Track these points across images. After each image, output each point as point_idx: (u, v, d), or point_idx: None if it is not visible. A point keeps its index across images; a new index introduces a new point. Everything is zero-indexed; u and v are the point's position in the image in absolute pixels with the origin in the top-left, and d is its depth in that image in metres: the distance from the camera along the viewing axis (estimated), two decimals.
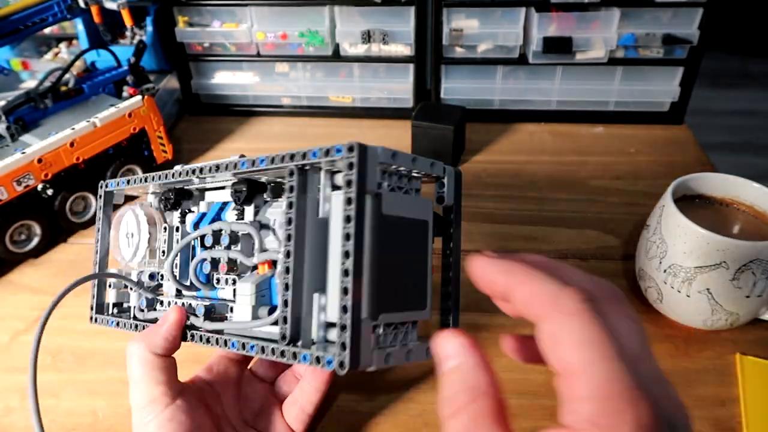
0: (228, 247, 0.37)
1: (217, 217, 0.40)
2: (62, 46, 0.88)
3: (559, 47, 0.74)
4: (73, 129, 0.61)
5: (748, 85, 2.46)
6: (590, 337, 0.22)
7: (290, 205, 0.31)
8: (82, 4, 0.67)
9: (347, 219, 0.29)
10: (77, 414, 0.46)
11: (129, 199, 0.52)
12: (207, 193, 0.43)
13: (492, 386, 0.24)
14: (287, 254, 0.31)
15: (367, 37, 0.77)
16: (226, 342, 0.35)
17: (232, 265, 0.38)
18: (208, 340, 0.36)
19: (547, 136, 0.79)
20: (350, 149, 0.29)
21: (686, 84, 0.77)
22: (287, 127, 0.84)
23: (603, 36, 0.73)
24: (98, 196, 0.47)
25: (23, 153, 0.57)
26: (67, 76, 0.67)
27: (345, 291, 0.28)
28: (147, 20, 0.82)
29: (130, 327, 0.42)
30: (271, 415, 0.41)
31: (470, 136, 0.76)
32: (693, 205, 0.51)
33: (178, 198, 0.42)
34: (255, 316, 0.35)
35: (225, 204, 0.41)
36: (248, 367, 0.44)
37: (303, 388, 0.41)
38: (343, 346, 0.28)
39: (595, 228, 0.63)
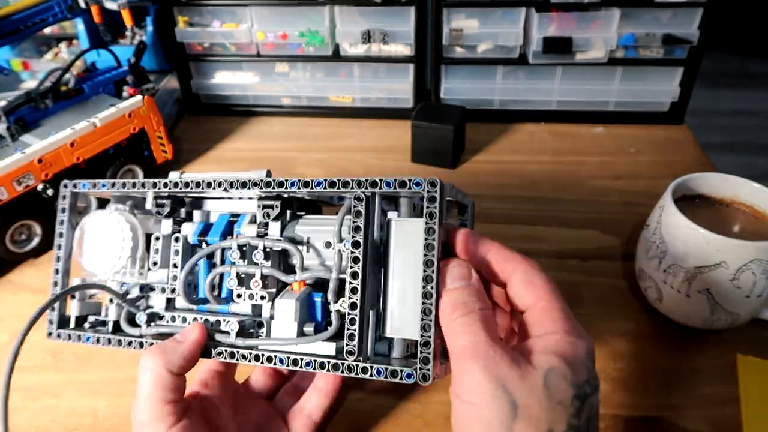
0: (256, 263, 0.37)
1: (228, 230, 0.40)
2: (62, 46, 0.88)
3: (559, 47, 0.74)
4: (73, 129, 0.61)
5: (748, 85, 2.46)
6: (551, 284, 0.32)
7: (357, 229, 0.33)
8: (82, 4, 0.67)
9: (428, 247, 0.32)
10: (78, 414, 0.46)
11: (102, 204, 0.46)
12: (207, 202, 0.42)
13: (490, 307, 0.32)
14: (354, 275, 0.33)
15: (367, 37, 0.77)
16: (270, 359, 0.35)
17: (264, 281, 0.37)
18: (244, 357, 0.36)
19: (547, 136, 0.79)
20: (432, 184, 0.32)
21: (686, 84, 0.77)
22: (287, 127, 0.84)
23: (603, 36, 0.73)
24: (61, 197, 0.43)
25: (23, 153, 0.57)
26: (67, 76, 0.67)
27: (426, 312, 0.32)
28: (147, 20, 0.82)
29: (126, 344, 0.39)
30: (275, 428, 0.41)
31: (470, 136, 0.77)
32: (693, 205, 0.51)
33: (174, 206, 0.41)
34: (300, 333, 0.36)
35: (236, 216, 0.40)
36: (244, 381, 0.43)
37: (310, 397, 0.41)
38: (425, 360, 0.31)
39: (595, 228, 0.63)
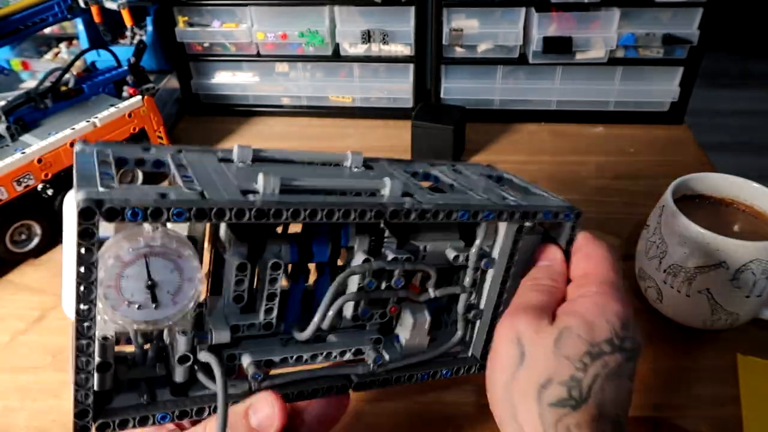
0: (394, 287, 0.34)
1: (331, 240, 0.34)
2: (62, 46, 0.88)
3: (559, 47, 0.74)
4: (73, 129, 0.61)
5: (748, 85, 2.46)
6: (607, 257, 0.34)
7: (511, 257, 0.36)
8: (82, 4, 0.67)
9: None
10: None
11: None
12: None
13: (561, 290, 0.34)
14: (500, 294, 0.37)
15: (367, 37, 0.77)
16: (411, 377, 0.36)
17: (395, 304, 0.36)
18: (387, 382, 0.35)
19: (547, 136, 0.79)
20: (577, 216, 0.36)
21: (686, 84, 0.77)
22: (287, 127, 0.84)
23: (603, 36, 0.73)
24: (83, 227, 0.24)
25: (23, 153, 0.57)
26: (67, 76, 0.67)
27: None
28: (147, 20, 0.82)
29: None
30: None
31: (470, 136, 0.77)
32: (693, 205, 0.51)
33: (261, 228, 0.32)
34: (430, 343, 0.37)
35: (343, 228, 0.34)
36: None
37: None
38: None
39: (595, 228, 0.62)
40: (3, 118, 0.61)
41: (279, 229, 0.33)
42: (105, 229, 0.26)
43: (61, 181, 0.61)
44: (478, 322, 0.38)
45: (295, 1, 0.76)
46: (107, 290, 0.27)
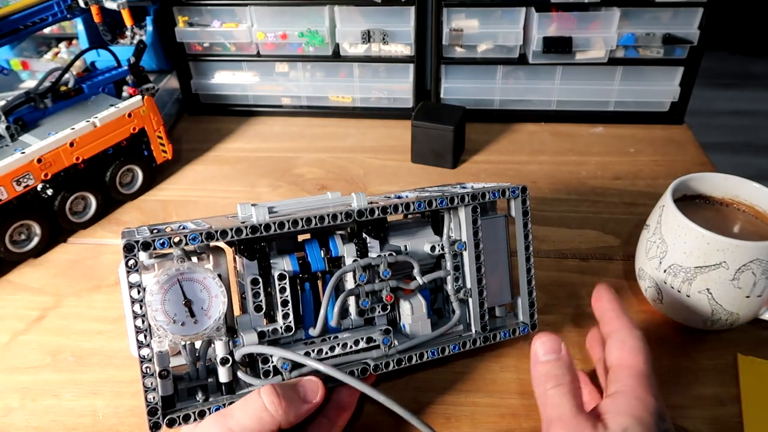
0: (383, 278, 0.41)
1: (325, 253, 0.41)
2: (62, 46, 0.88)
3: (559, 47, 0.74)
4: (72, 129, 0.61)
5: (748, 85, 2.46)
6: (640, 346, 0.37)
7: (476, 233, 0.44)
8: (82, 4, 0.67)
9: (527, 247, 0.46)
10: (78, 414, 0.46)
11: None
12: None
13: (577, 378, 0.36)
14: (479, 269, 0.44)
15: (367, 37, 0.77)
16: (422, 355, 0.42)
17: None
18: (400, 362, 0.41)
19: (547, 136, 0.79)
20: (523, 190, 0.45)
21: (686, 84, 0.77)
22: (287, 127, 0.84)
23: (603, 36, 0.73)
24: (127, 261, 0.35)
25: (23, 153, 0.57)
26: (66, 76, 0.67)
27: (530, 278, 0.46)
28: (147, 20, 0.82)
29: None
30: None
31: (470, 136, 0.77)
32: (693, 205, 0.51)
33: (262, 247, 0.39)
34: (435, 328, 0.43)
35: (326, 239, 0.42)
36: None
37: (329, 414, 0.41)
38: (532, 315, 0.46)
39: (595, 228, 0.63)
40: (3, 117, 0.61)
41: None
42: (148, 280, 0.36)
43: (61, 181, 0.61)
44: (470, 300, 0.44)
45: (295, 1, 0.76)
46: (156, 313, 0.35)
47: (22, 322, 0.54)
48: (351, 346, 0.40)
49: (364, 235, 0.42)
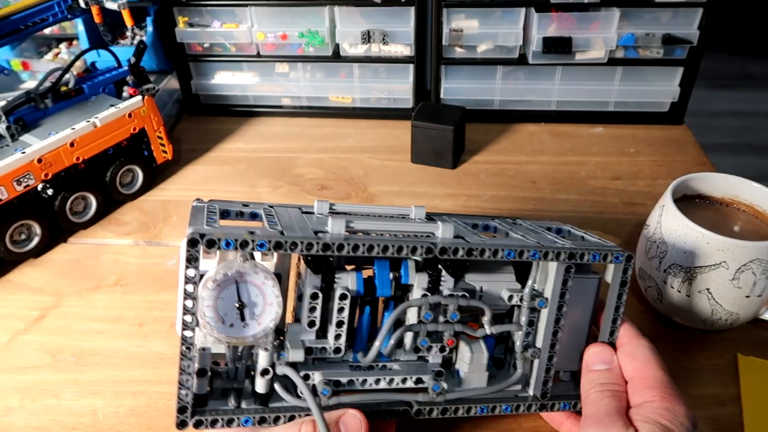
0: (450, 321, 0.38)
1: (394, 278, 0.38)
2: (62, 46, 0.88)
3: (558, 47, 0.74)
4: (73, 129, 0.61)
5: (747, 86, 2.46)
6: (652, 355, 0.38)
7: (563, 295, 0.39)
8: (82, 4, 0.67)
9: (614, 320, 0.40)
10: (78, 414, 0.46)
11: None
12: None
13: (623, 389, 0.37)
14: (555, 334, 0.39)
15: (367, 37, 0.77)
16: (470, 410, 0.38)
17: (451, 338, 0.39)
18: (446, 411, 0.38)
19: (546, 136, 0.79)
20: (628, 259, 0.39)
21: (686, 84, 0.77)
22: (287, 127, 0.84)
23: (603, 36, 0.73)
24: (188, 252, 0.32)
25: (23, 153, 0.57)
26: (67, 76, 0.67)
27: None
28: (147, 20, 0.82)
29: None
30: None
31: (470, 137, 0.77)
32: (693, 205, 0.51)
33: (329, 262, 0.37)
34: (491, 381, 0.40)
35: (398, 261, 0.38)
36: None
37: None
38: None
39: (595, 228, 0.63)
40: (3, 118, 0.61)
41: (349, 268, 0.38)
42: (208, 265, 0.34)
43: (61, 181, 0.61)
44: (536, 361, 0.40)
45: (295, 2, 0.77)
46: (206, 309, 0.33)
47: (22, 321, 0.54)
48: (398, 383, 0.37)
49: (440, 266, 0.38)
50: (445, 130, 0.70)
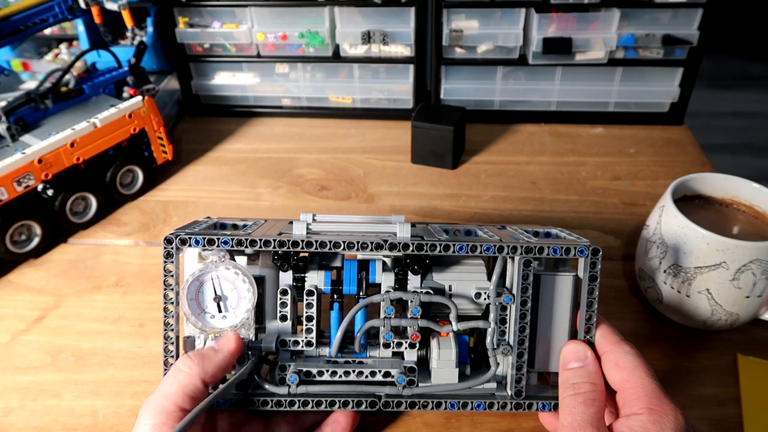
0: (417, 317, 0.39)
1: (363, 276, 0.41)
2: (63, 46, 0.88)
3: (558, 48, 0.74)
4: (73, 129, 0.61)
5: (747, 87, 2.46)
6: (639, 364, 0.36)
7: (525, 290, 0.39)
8: (82, 5, 0.67)
9: (588, 317, 0.39)
10: (78, 414, 0.46)
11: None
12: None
13: (603, 390, 0.36)
14: (522, 329, 0.39)
15: (367, 37, 0.77)
16: (440, 404, 0.39)
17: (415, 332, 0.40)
18: (413, 405, 0.39)
19: (546, 136, 0.79)
20: (594, 252, 0.38)
21: (686, 85, 0.77)
22: (287, 127, 0.84)
23: (603, 36, 0.73)
24: (168, 253, 0.39)
25: (23, 153, 0.57)
26: (67, 76, 0.67)
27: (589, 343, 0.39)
28: (147, 21, 0.82)
29: (274, 405, 0.39)
30: None
31: (470, 137, 0.77)
32: (693, 205, 0.51)
33: (296, 261, 0.41)
34: (462, 377, 0.41)
35: (367, 262, 0.41)
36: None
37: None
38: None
39: (595, 228, 0.63)
40: (3, 118, 0.61)
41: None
42: (193, 267, 0.40)
43: (62, 182, 0.61)
44: (510, 358, 0.40)
45: (295, 2, 0.77)
46: (190, 302, 0.39)
47: (22, 322, 0.54)
48: (367, 376, 0.39)
49: (408, 269, 0.40)
50: (445, 131, 0.70)
